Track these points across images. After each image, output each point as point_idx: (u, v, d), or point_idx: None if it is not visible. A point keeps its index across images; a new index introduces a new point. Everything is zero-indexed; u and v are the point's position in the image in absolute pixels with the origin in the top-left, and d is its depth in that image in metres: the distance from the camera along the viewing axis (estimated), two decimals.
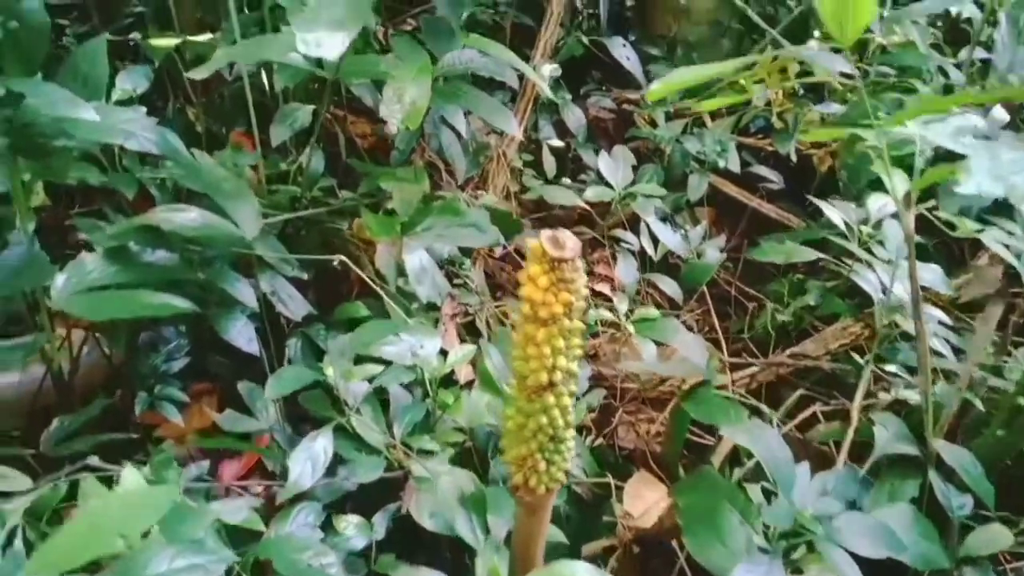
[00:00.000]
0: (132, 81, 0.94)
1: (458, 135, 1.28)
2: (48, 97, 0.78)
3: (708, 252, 1.35)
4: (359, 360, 0.97)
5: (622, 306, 1.12)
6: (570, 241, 0.51)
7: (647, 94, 0.74)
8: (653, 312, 1.09)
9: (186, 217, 0.89)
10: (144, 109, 0.90)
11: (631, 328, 1.07)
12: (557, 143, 1.73)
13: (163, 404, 1.05)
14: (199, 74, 0.83)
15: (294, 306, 1.18)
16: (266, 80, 1.43)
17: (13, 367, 0.91)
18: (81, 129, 0.81)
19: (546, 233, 0.51)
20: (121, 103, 1.04)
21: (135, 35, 1.94)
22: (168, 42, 1.37)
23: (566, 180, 1.75)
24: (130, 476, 0.71)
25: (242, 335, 1.06)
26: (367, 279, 1.19)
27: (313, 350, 1.23)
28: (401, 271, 1.20)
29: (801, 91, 1.84)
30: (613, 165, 1.32)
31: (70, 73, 0.90)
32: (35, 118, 0.82)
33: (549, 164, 1.70)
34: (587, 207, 1.36)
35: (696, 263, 1.30)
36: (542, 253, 0.51)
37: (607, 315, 1.09)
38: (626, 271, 1.22)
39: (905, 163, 0.96)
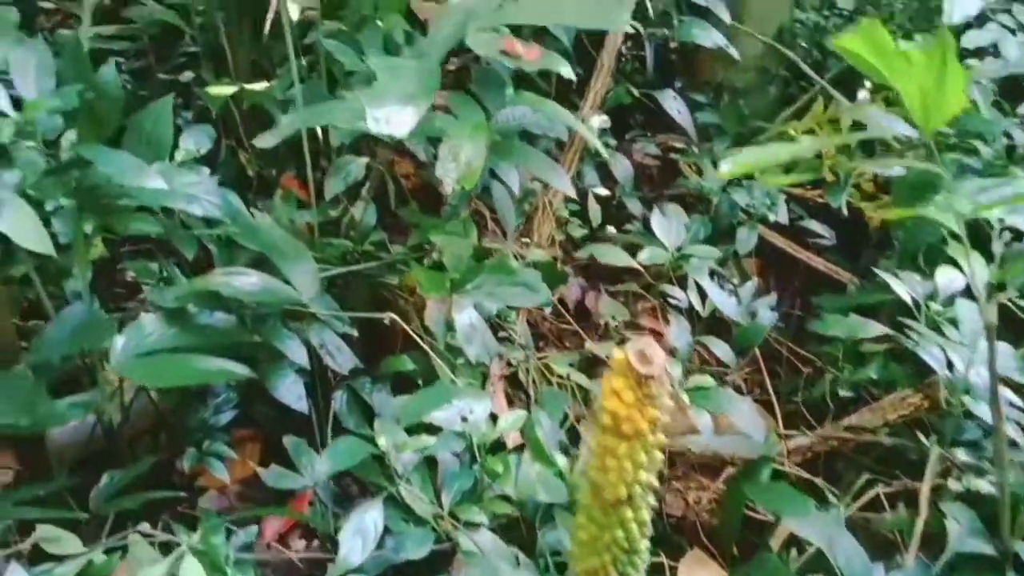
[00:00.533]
0: (195, 140, 0.95)
1: (509, 190, 1.28)
2: (117, 165, 0.79)
3: (761, 312, 1.31)
4: (411, 429, 0.95)
5: (675, 371, 1.09)
6: (658, 356, 0.49)
7: (719, 174, 0.72)
8: (708, 381, 1.06)
9: (246, 281, 0.89)
10: (207, 170, 0.90)
11: (686, 398, 1.04)
12: (603, 191, 1.71)
13: (210, 460, 1.05)
14: (266, 142, 0.84)
15: (342, 359, 1.18)
16: (320, 129, 1.44)
17: (71, 422, 0.91)
18: (146, 194, 0.81)
19: (633, 346, 0.49)
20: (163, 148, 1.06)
21: (188, 73, 1.99)
22: (225, 90, 1.39)
23: (611, 229, 1.73)
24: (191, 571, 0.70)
25: (291, 392, 1.06)
26: (415, 335, 1.18)
27: (359, 403, 1.22)
28: (449, 327, 1.19)
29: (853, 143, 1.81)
30: (666, 224, 1.30)
31: (136, 132, 0.90)
32: (102, 181, 0.83)
33: (594, 212, 1.69)
34: (639, 266, 1.34)
35: (749, 325, 1.27)
36: (628, 367, 0.49)
37: None
38: (679, 335, 1.19)
39: (975, 232, 0.93)
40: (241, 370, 0.85)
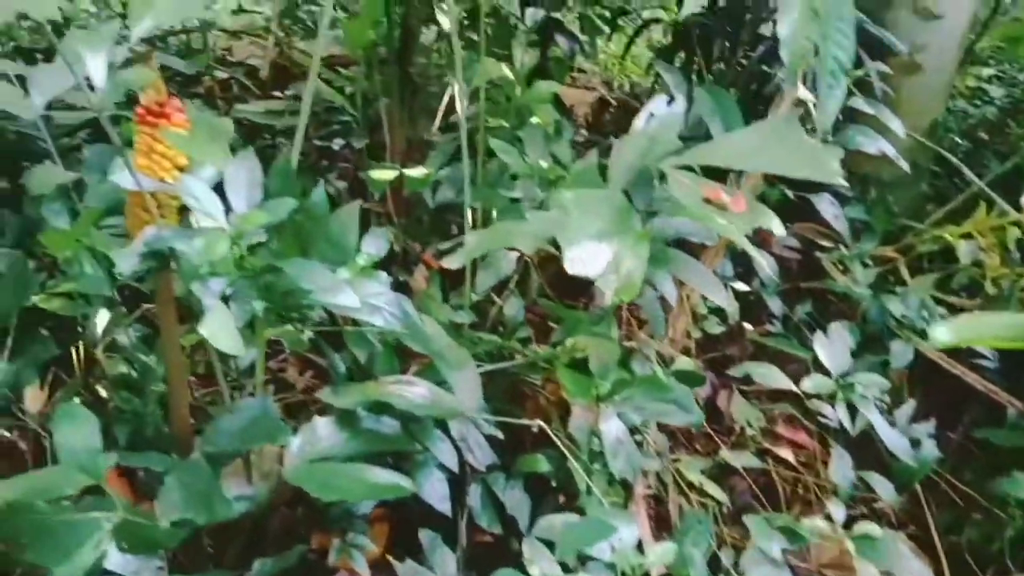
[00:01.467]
0: (375, 245, 0.98)
1: (660, 296, 1.25)
2: (311, 277, 0.82)
3: (924, 443, 1.22)
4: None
5: (837, 513, 1.02)
6: None
7: (932, 341, 0.67)
8: (875, 530, 0.98)
9: (416, 392, 0.90)
10: (386, 278, 0.92)
11: (850, 545, 0.97)
12: (742, 287, 1.66)
13: (352, 552, 1.06)
14: (454, 263, 0.85)
15: (481, 455, 1.17)
16: (469, 214, 1.47)
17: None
18: (337, 308, 0.84)
19: None
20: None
21: (339, 141, 2.09)
22: (386, 175, 1.45)
23: (748, 327, 1.68)
24: None
25: (436, 492, 1.06)
26: (556, 438, 1.16)
27: (492, 499, 1.22)
28: (593, 434, 1.17)
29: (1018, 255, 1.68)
30: (830, 348, 1.24)
31: (322, 235, 0.94)
32: (293, 287, 0.86)
33: (733, 309, 1.64)
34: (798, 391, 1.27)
35: (912, 461, 1.18)
36: None
37: (822, 526, 0.99)
38: (840, 468, 1.12)
39: None
40: (407, 484, 0.85)
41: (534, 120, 1.36)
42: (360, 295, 0.88)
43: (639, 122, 0.91)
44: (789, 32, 0.89)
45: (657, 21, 2.13)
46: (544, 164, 1.28)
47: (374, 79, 1.57)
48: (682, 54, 2.10)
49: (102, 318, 1.20)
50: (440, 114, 1.34)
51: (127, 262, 0.77)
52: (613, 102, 2.54)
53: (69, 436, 0.72)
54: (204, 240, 0.76)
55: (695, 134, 1.42)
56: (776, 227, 0.71)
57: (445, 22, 1.26)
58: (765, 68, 1.89)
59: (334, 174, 2.02)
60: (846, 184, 1.35)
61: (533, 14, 1.31)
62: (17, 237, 1.39)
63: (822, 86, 0.94)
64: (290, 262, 0.83)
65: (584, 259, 0.74)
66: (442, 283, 1.42)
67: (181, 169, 0.82)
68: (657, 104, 0.92)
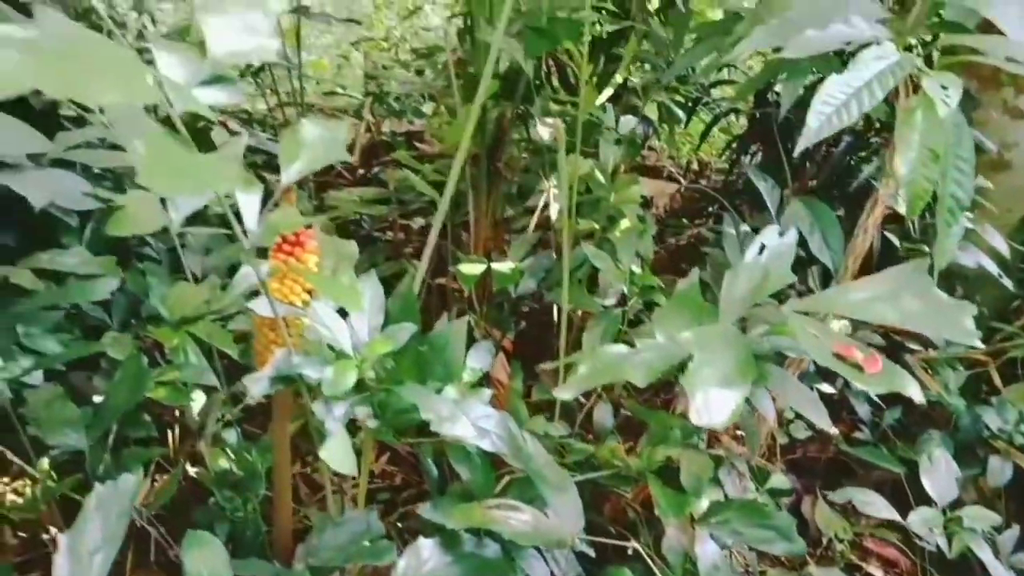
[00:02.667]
0: (480, 359, 0.99)
1: (752, 409, 1.23)
2: (427, 403, 0.83)
3: None
4: None
5: None
6: None
7: None
8: None
9: (521, 519, 0.90)
10: (490, 395, 0.93)
11: None
12: (828, 389, 1.62)
13: None
14: (565, 393, 0.85)
15: (566, 566, 1.15)
16: (555, 311, 1.48)
17: None
18: (452, 435, 0.85)
19: None
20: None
21: (420, 220, 2.14)
22: (475, 269, 1.48)
23: (836, 431, 1.63)
24: None
25: None
26: (645, 554, 1.14)
27: None
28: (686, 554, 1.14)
29: None
30: (934, 475, 1.19)
31: (431, 350, 0.95)
32: (407, 408, 0.87)
33: (826, 424, 1.59)
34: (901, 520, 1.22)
35: None
36: None
37: None
38: None
39: None
40: None
41: (624, 224, 1.37)
42: (471, 417, 0.89)
43: (750, 253, 0.92)
44: (908, 171, 0.88)
45: (736, 111, 2.15)
46: (636, 269, 1.29)
47: (463, 173, 1.62)
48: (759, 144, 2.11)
49: (206, 409, 1.24)
50: (536, 216, 1.37)
51: (258, 386, 0.80)
52: (683, 184, 2.56)
53: (198, 563, 0.73)
54: (334, 371, 0.78)
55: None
56: (915, 394, 0.69)
57: (545, 133, 1.29)
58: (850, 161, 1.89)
59: (410, 248, 2.08)
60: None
61: (627, 122, 1.33)
62: (124, 318, 1.46)
63: (940, 223, 0.93)
64: (409, 389, 0.84)
65: (711, 408, 0.73)
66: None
67: (310, 292, 0.86)
68: (768, 235, 0.92)
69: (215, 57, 0.67)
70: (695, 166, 2.72)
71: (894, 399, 1.72)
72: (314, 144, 0.78)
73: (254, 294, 0.94)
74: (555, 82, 1.71)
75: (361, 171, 2.00)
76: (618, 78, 1.69)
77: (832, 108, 0.93)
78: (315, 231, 0.87)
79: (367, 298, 0.89)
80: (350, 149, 2.09)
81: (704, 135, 2.17)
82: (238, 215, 0.76)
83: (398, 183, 1.86)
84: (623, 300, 1.23)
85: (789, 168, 1.98)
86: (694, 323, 0.94)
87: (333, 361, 0.81)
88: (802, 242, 1.35)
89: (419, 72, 2.04)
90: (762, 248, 0.91)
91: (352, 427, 0.90)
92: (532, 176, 1.70)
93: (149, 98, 0.49)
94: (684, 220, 2.17)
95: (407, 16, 2.67)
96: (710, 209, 2.20)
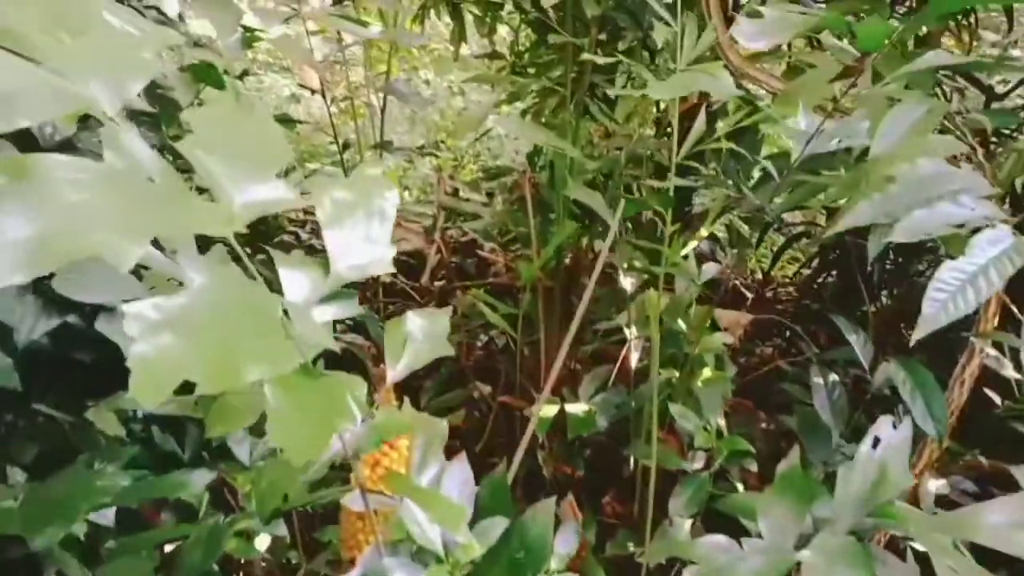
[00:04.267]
0: (567, 543, 0.94)
1: None
2: None
3: None
4: None
5: None
6: None
7: None
8: None
9: None
10: None
11: None
12: None
13: None
14: (654, 558, 0.80)
15: None
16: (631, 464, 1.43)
17: None
18: None
19: None
20: None
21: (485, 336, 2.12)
22: (551, 411, 1.44)
23: None
24: None
25: None
26: None
27: None
28: None
29: None
30: None
31: (517, 536, 0.91)
32: None
33: None
34: None
35: None
36: None
37: None
38: None
39: None
40: None
41: (707, 373, 1.33)
42: None
43: (864, 449, 0.86)
44: None
45: (808, 236, 2.11)
46: (721, 423, 1.23)
47: (536, 304, 1.61)
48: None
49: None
50: (616, 367, 1.34)
51: None
52: (747, 296, 2.50)
53: None
54: None
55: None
56: None
57: (628, 285, 1.28)
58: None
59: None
60: None
61: (708, 270, 1.31)
62: (195, 450, 1.45)
63: None
64: None
65: None
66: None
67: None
68: (882, 427, 0.87)
69: (337, 273, 0.67)
70: (764, 284, 2.68)
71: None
72: (419, 338, 0.77)
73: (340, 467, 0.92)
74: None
75: (430, 289, 2.01)
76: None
77: (946, 295, 0.89)
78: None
79: (455, 485, 0.86)
80: (422, 267, 2.11)
81: (776, 259, 2.13)
82: None
83: (467, 309, 1.85)
84: (709, 462, 1.18)
85: (868, 295, 1.92)
86: (801, 515, 0.89)
87: (423, 565, 0.77)
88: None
89: (489, 194, 2.07)
90: (876, 441, 0.86)
91: None
92: (604, 308, 1.68)
93: (293, 366, 0.48)
94: (755, 348, 2.11)
95: (479, 138, 2.75)
96: (783, 333, 2.14)
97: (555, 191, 1.50)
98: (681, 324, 1.29)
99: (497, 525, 0.81)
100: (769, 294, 2.71)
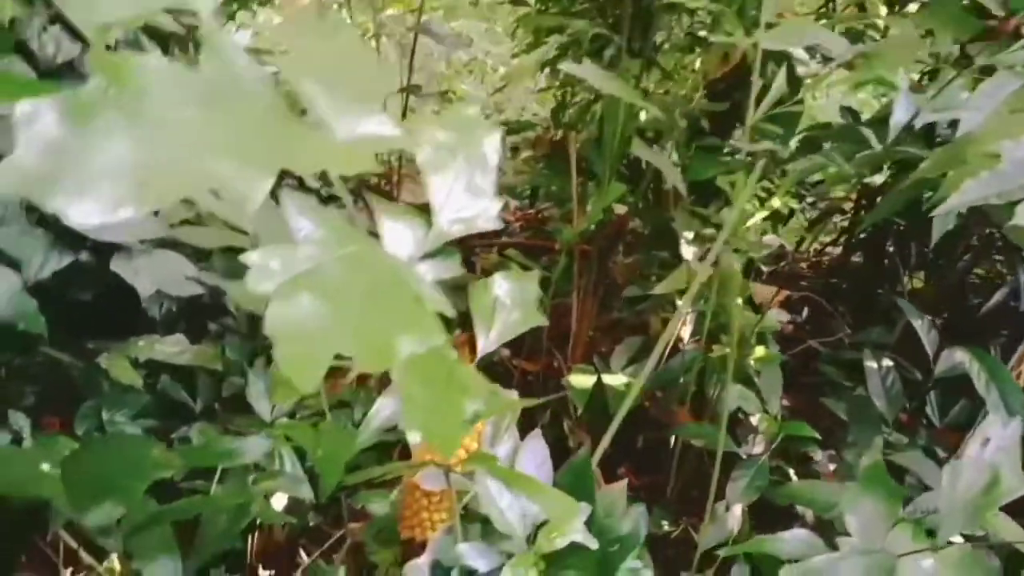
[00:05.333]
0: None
1: None
2: None
3: None
4: None
5: None
6: None
7: None
8: None
9: None
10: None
11: None
12: None
13: None
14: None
15: None
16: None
17: None
18: None
19: None
20: None
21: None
22: (588, 381, 1.37)
23: None
24: None
25: None
26: None
27: None
28: None
29: None
30: None
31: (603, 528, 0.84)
32: None
33: None
34: None
35: None
36: None
37: None
38: None
39: None
40: None
41: (760, 351, 1.26)
42: None
43: (972, 448, 0.80)
44: None
45: (842, 211, 2.04)
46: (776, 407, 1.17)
47: (572, 270, 1.52)
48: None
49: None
50: (667, 337, 1.26)
51: (416, 574, 0.69)
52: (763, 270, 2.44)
53: None
54: (512, 571, 0.67)
55: None
56: None
57: (688, 253, 1.20)
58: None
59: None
60: None
61: (770, 242, 1.23)
62: (208, 401, 1.36)
63: None
64: None
65: None
66: None
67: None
68: (992, 427, 0.81)
69: (440, 228, 0.58)
70: (777, 258, 2.61)
71: None
72: (509, 305, 0.68)
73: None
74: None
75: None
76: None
77: None
78: None
79: (532, 464, 0.78)
80: None
81: (815, 230, 2.06)
82: None
83: (491, 268, 1.76)
84: (768, 447, 1.12)
85: (906, 274, 1.86)
86: (891, 514, 0.83)
87: (500, 551, 0.70)
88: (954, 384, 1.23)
89: (514, 148, 1.96)
90: (986, 441, 0.80)
91: None
92: (642, 278, 1.60)
93: (439, 341, 0.39)
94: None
95: (498, 90, 2.62)
96: (800, 310, 2.08)
97: (601, 149, 1.41)
98: (738, 299, 1.22)
99: (582, 513, 0.74)
100: (784, 269, 2.65)
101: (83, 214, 0.30)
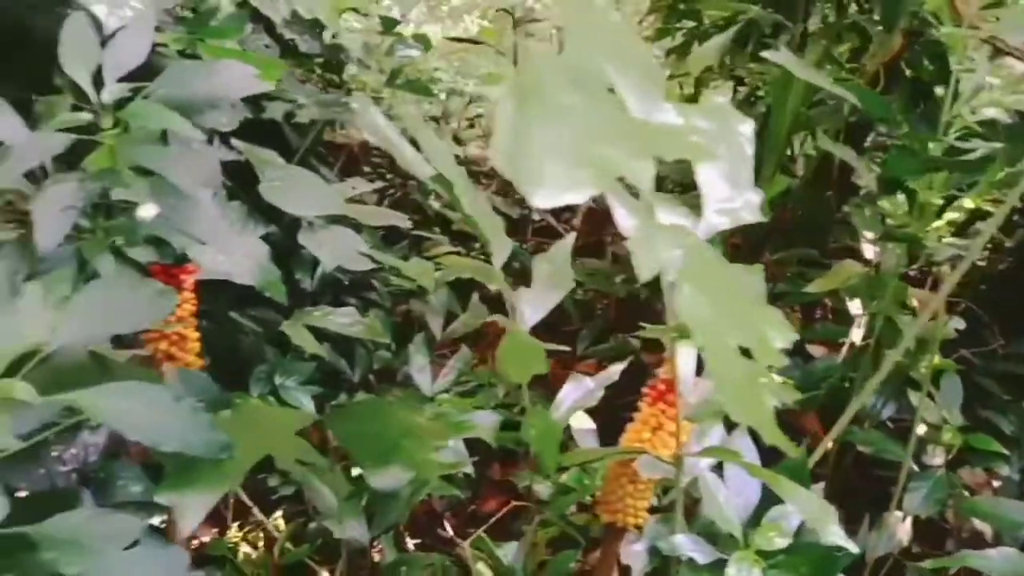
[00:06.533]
0: None
1: None
2: None
3: None
4: None
5: None
6: None
7: None
8: None
9: None
10: None
11: None
12: None
13: None
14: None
15: None
16: None
17: None
18: None
19: None
20: None
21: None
22: None
23: None
24: None
25: None
26: None
27: None
28: None
29: None
30: None
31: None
32: None
33: None
34: None
35: None
36: None
37: None
38: None
39: None
40: None
41: (936, 360, 1.21)
42: None
43: None
44: None
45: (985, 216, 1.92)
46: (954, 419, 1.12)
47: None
48: None
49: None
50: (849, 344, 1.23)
51: (634, 559, 0.70)
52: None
53: None
54: (736, 566, 0.67)
55: None
56: None
57: (870, 252, 1.15)
58: None
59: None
60: None
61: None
62: (364, 372, 1.41)
63: None
64: None
65: None
66: None
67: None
68: None
69: (708, 220, 0.58)
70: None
71: None
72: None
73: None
74: None
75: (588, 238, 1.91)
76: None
77: None
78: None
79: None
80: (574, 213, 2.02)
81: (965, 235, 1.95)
82: None
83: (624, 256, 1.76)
84: (946, 458, 1.08)
85: None
86: None
87: (721, 543, 0.70)
88: None
89: None
90: None
91: None
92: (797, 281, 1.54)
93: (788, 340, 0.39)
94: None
95: None
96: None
97: (767, 141, 1.37)
98: (913, 302, 1.17)
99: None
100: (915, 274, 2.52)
101: (541, 198, 0.31)
